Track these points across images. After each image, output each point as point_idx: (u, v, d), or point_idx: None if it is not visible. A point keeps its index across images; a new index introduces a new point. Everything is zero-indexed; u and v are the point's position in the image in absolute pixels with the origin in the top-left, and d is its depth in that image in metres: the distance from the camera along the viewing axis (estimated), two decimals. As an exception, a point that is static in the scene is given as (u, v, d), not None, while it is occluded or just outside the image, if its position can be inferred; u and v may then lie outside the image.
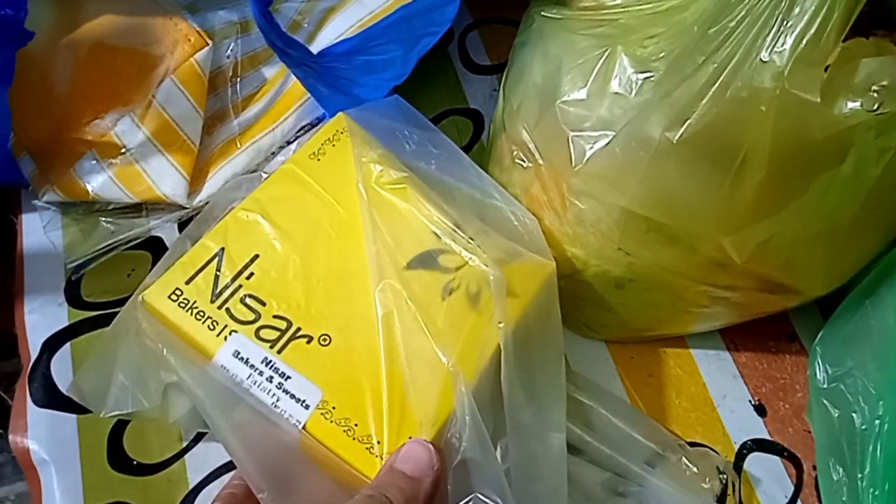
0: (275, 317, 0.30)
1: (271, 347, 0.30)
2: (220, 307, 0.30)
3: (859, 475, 0.33)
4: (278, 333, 0.30)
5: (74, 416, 0.37)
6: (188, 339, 0.30)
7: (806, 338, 0.42)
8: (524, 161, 0.38)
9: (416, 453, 0.28)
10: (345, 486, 0.29)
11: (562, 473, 0.34)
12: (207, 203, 0.41)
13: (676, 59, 0.32)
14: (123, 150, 0.41)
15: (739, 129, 0.29)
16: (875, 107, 0.28)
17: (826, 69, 0.28)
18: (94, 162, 0.41)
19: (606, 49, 0.34)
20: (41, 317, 0.40)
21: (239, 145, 0.42)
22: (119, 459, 0.36)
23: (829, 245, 0.34)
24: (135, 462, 0.36)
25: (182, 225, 0.42)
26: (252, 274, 0.31)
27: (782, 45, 0.28)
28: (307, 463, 0.30)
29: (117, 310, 0.40)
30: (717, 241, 0.33)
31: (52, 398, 0.37)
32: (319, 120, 0.42)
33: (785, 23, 0.28)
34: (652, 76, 0.33)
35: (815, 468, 0.38)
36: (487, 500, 0.29)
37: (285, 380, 0.29)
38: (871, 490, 0.32)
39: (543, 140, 0.37)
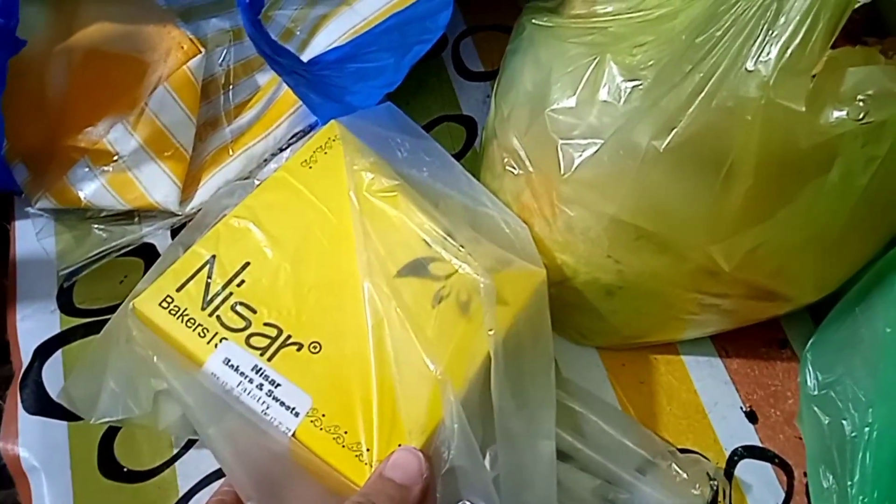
0: (265, 324, 0.30)
1: (262, 355, 0.30)
2: (210, 314, 0.30)
3: (849, 483, 0.33)
4: (269, 341, 0.30)
5: (65, 423, 0.37)
6: (179, 347, 0.30)
7: (797, 344, 0.42)
8: (515, 168, 0.38)
9: (405, 461, 0.28)
10: (334, 494, 0.29)
11: (551, 481, 0.34)
12: (200, 210, 0.41)
13: (665, 67, 0.32)
14: (116, 158, 0.41)
15: (726, 138, 0.29)
16: (861, 116, 0.28)
17: (813, 78, 0.29)
18: (87, 169, 0.41)
19: (596, 57, 0.35)
20: (33, 323, 0.40)
21: (231, 152, 0.42)
22: (109, 466, 0.36)
23: (818, 252, 0.34)
24: (125, 469, 0.36)
25: (175, 232, 0.42)
26: (243, 281, 0.31)
27: (768, 54, 0.28)
28: (297, 471, 0.30)
29: (109, 316, 0.40)
30: (706, 249, 0.33)
31: (43, 405, 0.37)
32: (312, 127, 0.43)
33: (770, 32, 0.28)
34: (640, 84, 0.33)
35: (805, 475, 0.38)
36: (476, 508, 0.29)
37: (275, 387, 0.29)
38: (861, 498, 0.33)
39: (533, 147, 0.37)
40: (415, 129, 0.39)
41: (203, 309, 0.30)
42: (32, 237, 0.42)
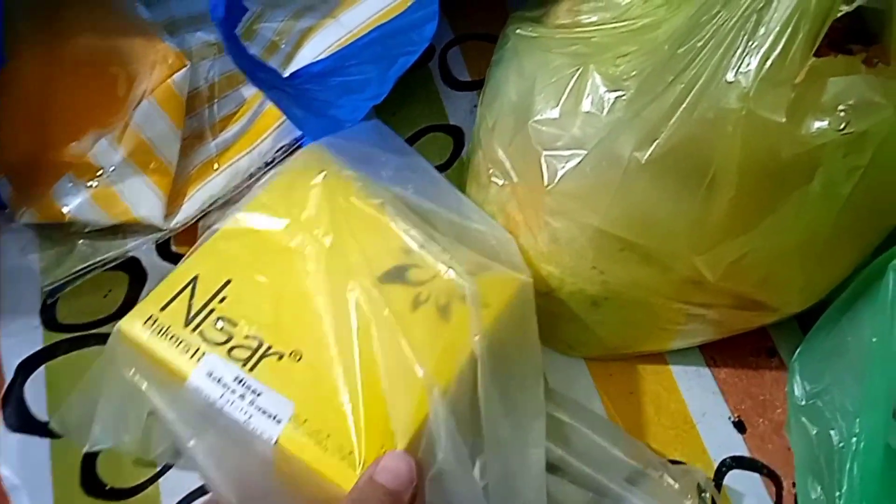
0: (247, 336, 0.31)
1: (244, 366, 0.30)
2: (193, 331, 0.30)
3: (837, 493, 0.33)
4: (250, 352, 0.30)
5: (48, 440, 0.37)
6: (163, 364, 0.30)
7: (786, 353, 0.42)
8: (500, 179, 0.38)
9: (395, 465, 0.28)
10: (322, 503, 0.29)
11: (541, 490, 0.34)
12: (185, 224, 0.41)
13: (647, 78, 0.32)
14: (101, 172, 0.41)
15: (707, 149, 0.29)
16: (842, 126, 0.28)
17: (795, 87, 0.29)
18: (72, 184, 0.41)
19: (579, 67, 0.35)
20: (16, 339, 0.39)
21: (217, 166, 0.42)
22: (92, 484, 0.36)
23: (803, 262, 0.34)
24: (108, 487, 0.36)
25: (160, 246, 0.42)
26: (224, 298, 0.31)
27: (748, 65, 0.28)
28: (282, 481, 0.30)
29: (93, 332, 0.40)
30: (690, 259, 0.33)
31: (25, 422, 0.37)
32: (298, 140, 0.42)
33: (750, 43, 0.28)
34: (623, 95, 0.33)
35: (794, 485, 0.38)
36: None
37: (257, 396, 0.29)
38: (849, 508, 0.32)
39: (518, 158, 0.37)
40: (400, 146, 0.39)
41: (186, 325, 0.31)
42: (16, 252, 0.42)
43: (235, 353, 0.30)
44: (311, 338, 0.31)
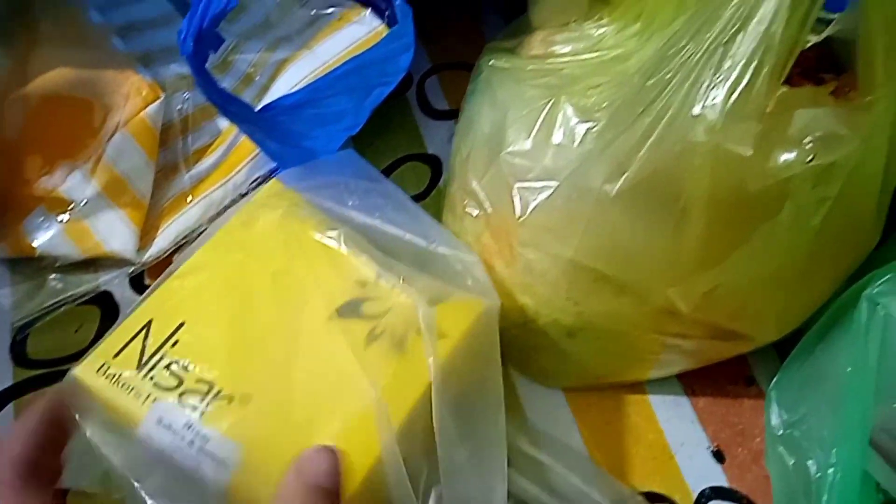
0: (198, 381, 0.30)
1: (193, 411, 0.30)
2: (144, 376, 0.30)
3: (815, 525, 0.33)
4: (200, 396, 0.30)
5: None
6: (115, 411, 0.30)
7: (764, 381, 0.41)
8: (475, 210, 0.38)
9: (316, 461, 0.28)
10: None
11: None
12: (159, 257, 0.41)
13: (618, 109, 0.32)
14: (72, 206, 0.41)
15: (676, 181, 0.29)
16: (809, 158, 0.28)
17: (763, 118, 0.29)
18: (43, 218, 0.41)
19: (551, 99, 0.35)
20: (-14, 376, 0.39)
21: (191, 199, 0.42)
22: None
23: (777, 292, 0.34)
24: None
25: (133, 280, 0.42)
26: (177, 342, 0.31)
27: (714, 99, 0.28)
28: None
29: (64, 367, 0.40)
30: (664, 291, 0.33)
31: (-8, 462, 0.36)
32: (273, 171, 0.42)
33: (716, 76, 0.28)
34: (594, 126, 0.33)
35: (774, 516, 0.38)
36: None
37: (206, 442, 0.29)
38: (827, 540, 0.32)
39: (491, 190, 0.37)
40: (371, 174, 0.39)
41: (138, 371, 0.30)
42: (-13, 288, 0.41)
43: (186, 398, 0.30)
44: (264, 378, 0.31)
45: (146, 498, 0.28)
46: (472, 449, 0.32)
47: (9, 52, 0.42)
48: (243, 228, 0.35)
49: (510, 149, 0.35)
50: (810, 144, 0.28)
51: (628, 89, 0.32)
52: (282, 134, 0.38)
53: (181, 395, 0.30)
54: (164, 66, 0.44)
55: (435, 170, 0.49)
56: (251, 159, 0.42)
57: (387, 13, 0.46)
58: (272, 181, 0.37)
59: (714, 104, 0.28)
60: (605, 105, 0.33)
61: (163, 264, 0.41)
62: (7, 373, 0.39)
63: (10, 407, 0.38)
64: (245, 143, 0.43)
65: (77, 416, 0.30)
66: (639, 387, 0.41)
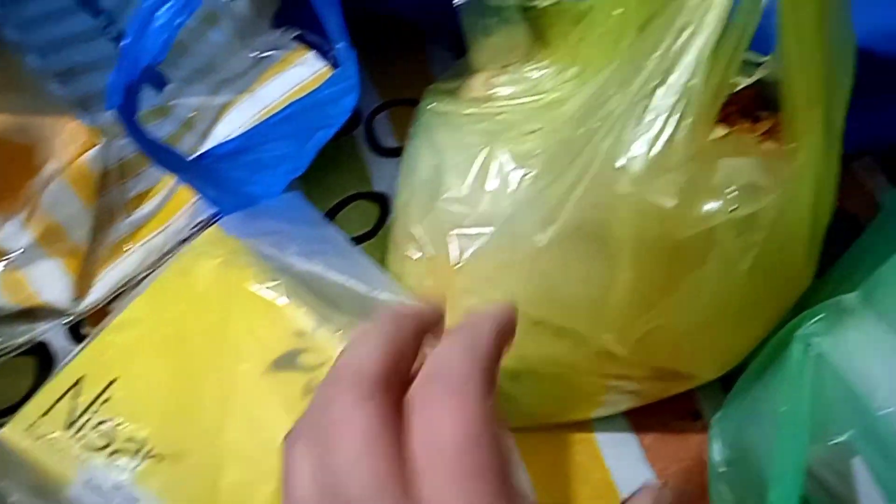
0: (128, 440, 0.30)
1: (122, 472, 0.29)
2: (74, 436, 0.30)
3: (754, 565, 0.33)
4: (130, 456, 0.30)
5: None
6: (43, 473, 0.29)
7: (709, 415, 0.41)
8: (416, 253, 0.38)
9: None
10: None
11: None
12: (95, 307, 0.40)
13: (551, 157, 0.33)
14: (7, 256, 0.40)
15: (604, 231, 0.30)
16: (733, 208, 0.29)
17: (687, 169, 0.29)
18: (-25, 270, 0.40)
19: (488, 145, 0.35)
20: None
21: (130, 246, 0.41)
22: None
23: (713, 334, 0.35)
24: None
25: (72, 329, 0.41)
26: (108, 399, 0.31)
27: (636, 151, 0.28)
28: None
29: (-3, 423, 0.39)
30: (599, 336, 0.33)
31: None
32: (215, 216, 0.42)
33: (638, 129, 0.28)
34: (528, 173, 0.33)
35: (719, 554, 0.38)
36: None
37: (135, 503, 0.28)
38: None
39: (431, 235, 0.37)
40: (315, 218, 0.39)
41: (67, 430, 0.30)
42: (-82, 344, 0.40)
43: (115, 458, 0.30)
44: (197, 436, 0.30)
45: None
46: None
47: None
48: (180, 278, 0.35)
49: (447, 195, 0.35)
50: (733, 194, 0.29)
51: (562, 136, 0.33)
52: (220, 181, 0.38)
53: (111, 454, 0.30)
54: (103, 110, 0.43)
55: (383, 208, 0.49)
56: (192, 204, 0.42)
57: (331, 54, 0.46)
58: (212, 228, 0.37)
59: (636, 157, 0.28)
60: (538, 152, 0.33)
61: (101, 313, 0.41)
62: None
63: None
64: (186, 188, 0.42)
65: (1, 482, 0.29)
66: (586, 425, 0.41)
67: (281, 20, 0.47)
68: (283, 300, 0.34)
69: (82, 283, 0.40)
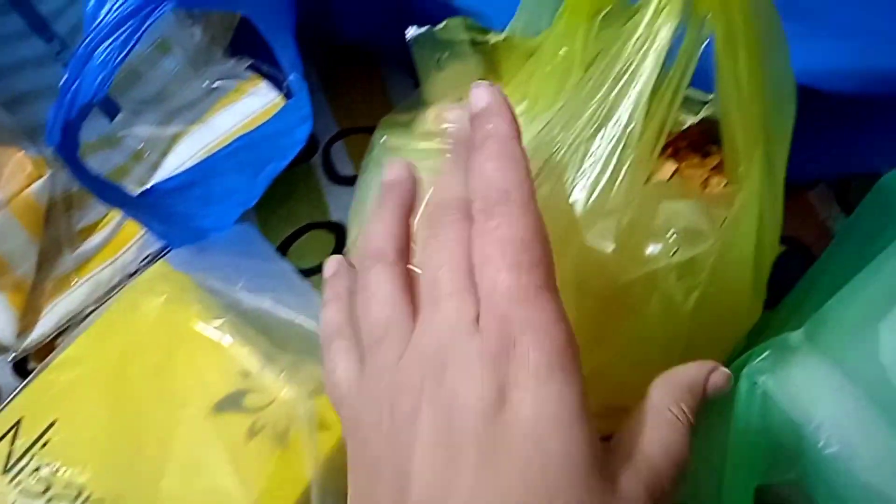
0: (67, 485, 0.29)
1: None
2: (10, 482, 0.29)
3: None
4: (69, 502, 0.29)
5: None
6: None
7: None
8: (367, 289, 0.38)
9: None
10: None
11: None
12: (40, 343, 0.39)
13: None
14: (-52, 292, 0.39)
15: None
16: (673, 251, 0.29)
17: (627, 213, 0.29)
18: (-85, 307, 0.39)
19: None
20: None
21: (76, 280, 0.41)
22: None
23: (662, 370, 0.34)
24: None
25: (17, 366, 0.40)
26: (47, 442, 0.30)
27: (577, 195, 0.28)
28: None
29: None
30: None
31: None
32: (164, 248, 0.41)
33: (579, 172, 0.28)
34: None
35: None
36: None
37: None
38: None
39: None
40: (266, 252, 0.39)
41: (5, 475, 0.29)
42: None
43: None
44: (136, 481, 0.30)
45: None
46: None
47: None
48: (125, 315, 0.34)
49: (395, 232, 0.35)
50: (673, 237, 0.29)
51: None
52: (167, 216, 0.37)
53: (48, 501, 0.29)
54: (50, 141, 0.43)
55: (340, 238, 0.48)
56: (141, 237, 0.41)
57: (285, 84, 0.45)
58: (159, 263, 0.36)
59: (576, 201, 0.28)
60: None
61: (48, 348, 0.40)
62: None
63: None
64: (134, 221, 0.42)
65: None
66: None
67: (235, 49, 0.47)
68: (227, 340, 0.33)
69: (27, 318, 0.40)
